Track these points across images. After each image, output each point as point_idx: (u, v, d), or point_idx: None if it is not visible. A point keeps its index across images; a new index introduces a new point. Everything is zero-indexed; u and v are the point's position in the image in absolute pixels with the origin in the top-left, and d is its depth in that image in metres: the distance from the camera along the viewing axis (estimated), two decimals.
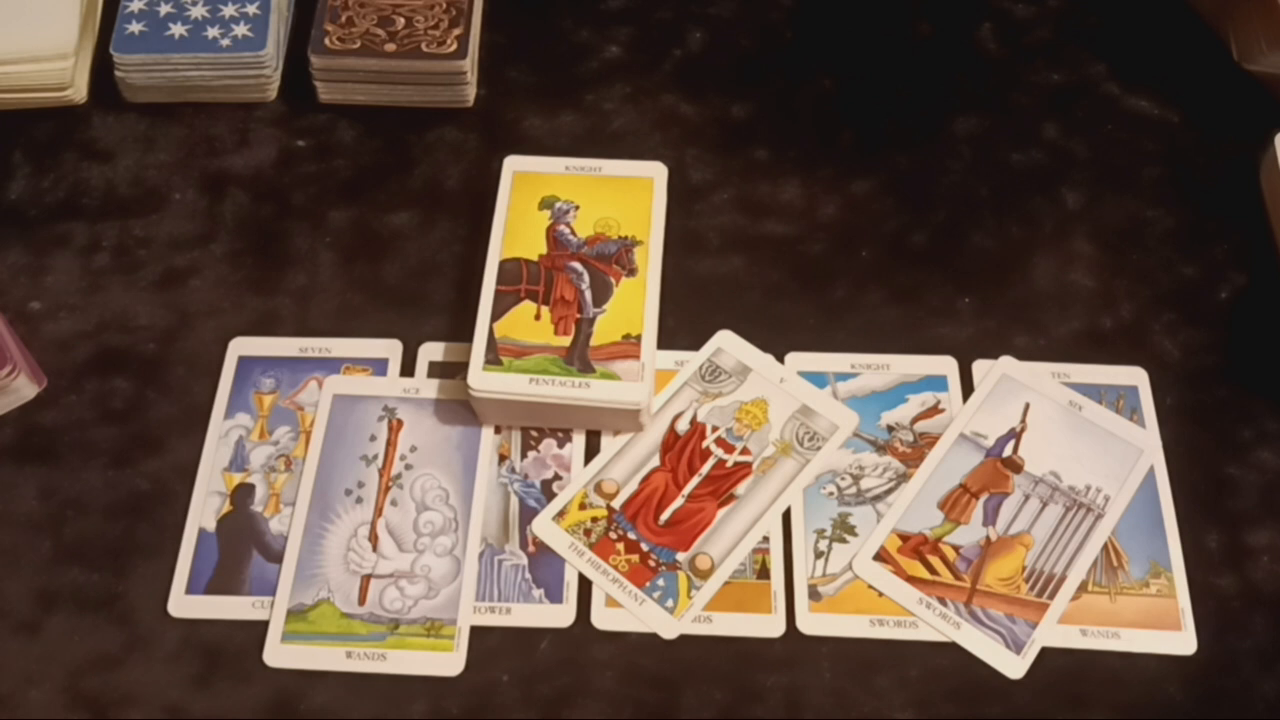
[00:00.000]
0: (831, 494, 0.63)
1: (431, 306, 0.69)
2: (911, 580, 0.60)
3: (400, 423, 0.65)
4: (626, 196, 0.67)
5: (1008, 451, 0.64)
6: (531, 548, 0.62)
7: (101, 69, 0.76)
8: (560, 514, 0.62)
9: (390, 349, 0.67)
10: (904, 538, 0.62)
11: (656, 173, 0.68)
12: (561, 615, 0.60)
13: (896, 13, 0.81)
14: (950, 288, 0.70)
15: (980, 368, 0.67)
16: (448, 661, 0.59)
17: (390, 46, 0.74)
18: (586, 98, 0.77)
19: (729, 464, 0.64)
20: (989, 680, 0.58)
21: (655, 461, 0.64)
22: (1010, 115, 0.76)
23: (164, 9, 0.75)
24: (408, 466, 0.63)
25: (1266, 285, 0.70)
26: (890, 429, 0.65)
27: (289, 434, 0.65)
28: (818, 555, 0.61)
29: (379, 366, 0.67)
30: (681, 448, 0.64)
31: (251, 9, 0.75)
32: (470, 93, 0.76)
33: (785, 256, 0.71)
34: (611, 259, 0.65)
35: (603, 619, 0.60)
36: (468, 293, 0.66)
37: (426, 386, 0.66)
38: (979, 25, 0.80)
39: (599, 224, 0.66)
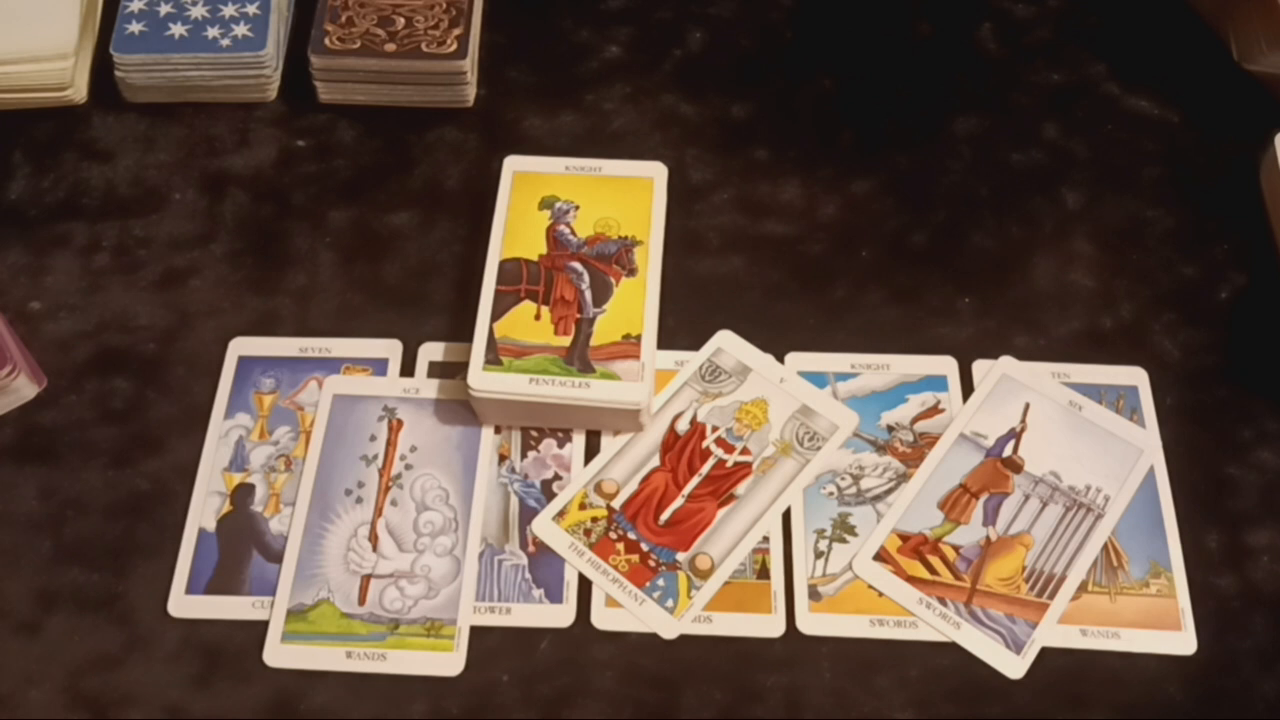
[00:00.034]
0: (831, 494, 0.63)
1: (431, 306, 0.69)
2: (911, 580, 0.60)
3: (400, 423, 0.65)
4: (626, 196, 0.67)
5: (1008, 451, 0.64)
6: (531, 548, 0.61)
7: (101, 69, 0.76)
8: (560, 514, 0.62)
9: (390, 349, 0.67)
10: (904, 538, 0.62)
11: (656, 173, 0.68)
12: (561, 615, 0.60)
13: (896, 13, 0.81)
14: (950, 288, 0.70)
15: (980, 368, 0.67)
16: (448, 661, 0.58)
17: (390, 46, 0.74)
18: (586, 98, 0.77)
19: (729, 464, 0.64)
20: (989, 680, 0.58)
21: (655, 461, 0.64)
22: (1010, 115, 0.76)
23: (164, 9, 0.75)
24: (408, 466, 0.63)
25: (1266, 285, 0.70)
26: (890, 429, 0.65)
27: (289, 434, 0.65)
28: (818, 555, 0.61)
29: (379, 366, 0.67)
30: (681, 448, 0.64)
31: (251, 9, 0.75)
32: (470, 93, 0.76)
33: (785, 256, 0.71)
34: (611, 259, 0.65)
35: (603, 619, 0.60)
36: (468, 293, 0.66)
37: (426, 386, 0.66)
38: (979, 25, 0.80)
39: (599, 224, 0.66)
